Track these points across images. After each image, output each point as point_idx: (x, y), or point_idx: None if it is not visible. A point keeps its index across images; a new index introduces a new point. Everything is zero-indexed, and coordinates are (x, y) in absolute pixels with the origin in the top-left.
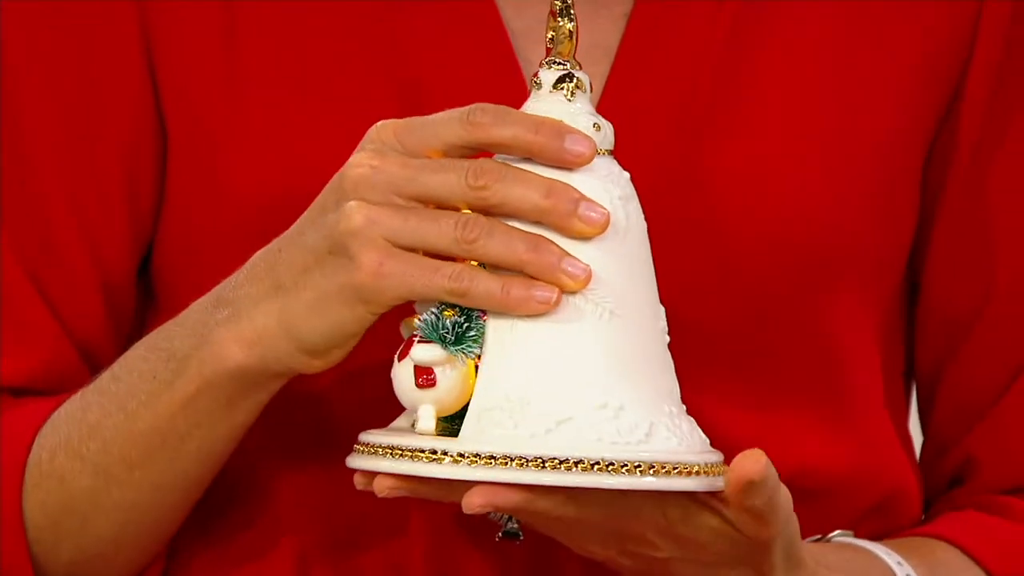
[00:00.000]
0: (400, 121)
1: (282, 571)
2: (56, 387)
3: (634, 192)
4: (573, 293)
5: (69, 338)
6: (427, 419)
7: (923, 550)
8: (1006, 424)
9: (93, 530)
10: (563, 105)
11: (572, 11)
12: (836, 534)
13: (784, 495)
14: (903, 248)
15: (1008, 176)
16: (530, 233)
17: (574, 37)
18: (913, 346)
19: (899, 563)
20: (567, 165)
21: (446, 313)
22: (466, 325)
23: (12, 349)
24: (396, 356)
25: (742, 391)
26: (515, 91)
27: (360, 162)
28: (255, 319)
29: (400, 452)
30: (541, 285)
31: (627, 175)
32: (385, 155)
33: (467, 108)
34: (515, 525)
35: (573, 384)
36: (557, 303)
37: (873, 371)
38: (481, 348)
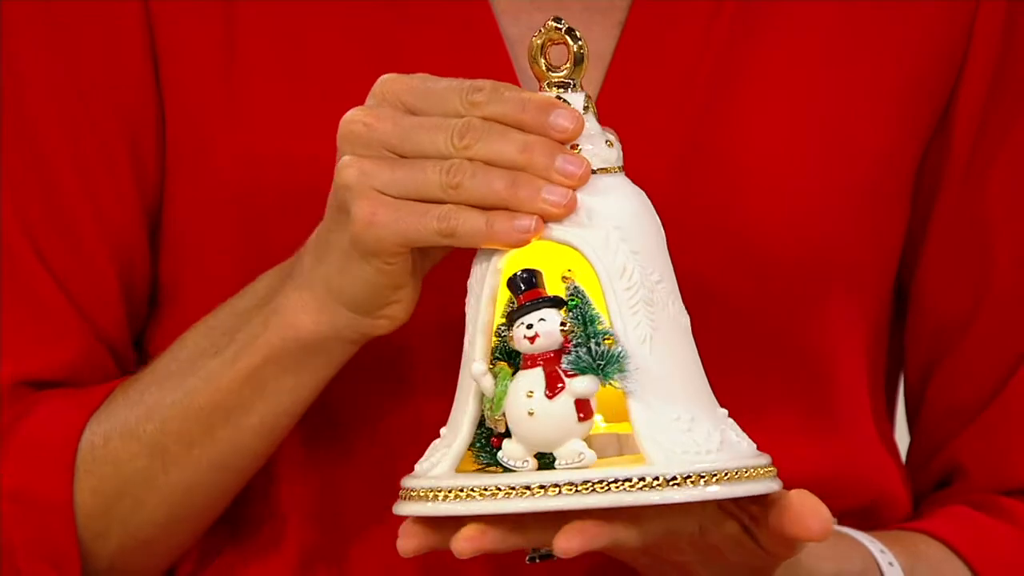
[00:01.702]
0: (406, 80)
1: (284, 572)
2: (85, 381)
3: (631, 206)
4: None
5: (93, 331)
6: (588, 451)
7: (905, 542)
8: (993, 429)
9: (146, 514)
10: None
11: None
12: None
13: None
14: (892, 254)
15: (1001, 185)
16: (509, 171)
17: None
18: (899, 353)
19: (881, 550)
20: (553, 139)
21: (607, 341)
22: (612, 354)
23: (39, 344)
24: (535, 395)
25: (727, 393)
26: (498, 67)
27: (356, 119)
28: (315, 288)
29: (589, 486)
30: (521, 215)
31: (641, 193)
32: (380, 113)
33: (467, 84)
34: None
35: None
36: (537, 230)
37: (859, 377)
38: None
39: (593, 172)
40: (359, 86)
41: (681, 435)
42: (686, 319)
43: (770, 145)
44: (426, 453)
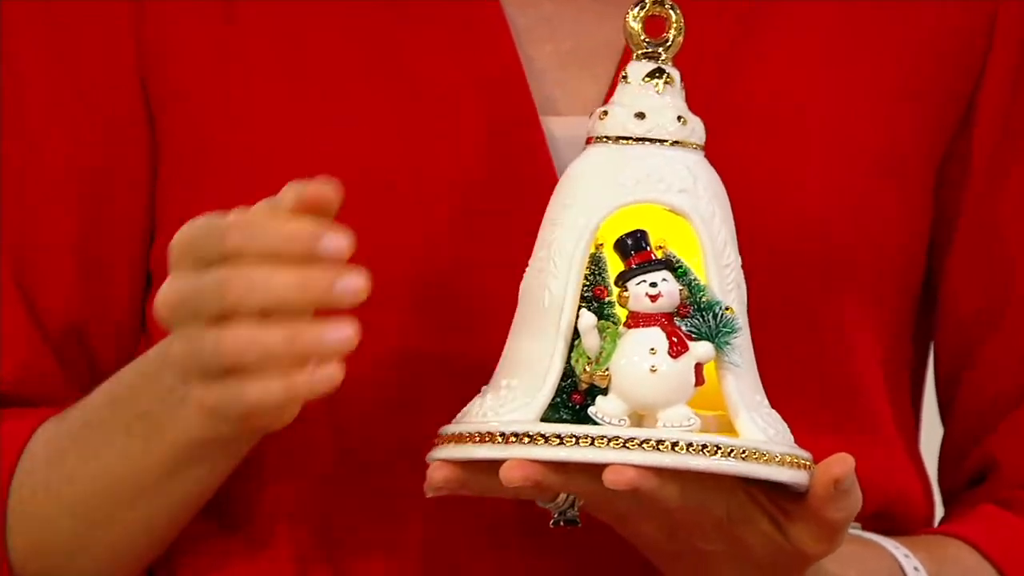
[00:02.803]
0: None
1: (281, 572)
2: (30, 393)
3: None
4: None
5: (43, 337)
6: (695, 416)
7: (933, 545)
8: None
9: (80, 566)
10: (652, 99)
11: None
12: None
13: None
14: (913, 249)
15: None
16: (286, 329)
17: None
18: (925, 351)
19: (906, 555)
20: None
21: (728, 311)
22: (732, 324)
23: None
24: (658, 353)
25: None
26: (515, 88)
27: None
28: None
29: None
30: (318, 369)
31: (714, 173)
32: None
33: (223, 225)
34: (575, 512)
35: None
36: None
37: (876, 376)
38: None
39: (673, 144)
40: (362, 78)
41: (768, 417)
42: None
43: (774, 142)
44: (484, 403)
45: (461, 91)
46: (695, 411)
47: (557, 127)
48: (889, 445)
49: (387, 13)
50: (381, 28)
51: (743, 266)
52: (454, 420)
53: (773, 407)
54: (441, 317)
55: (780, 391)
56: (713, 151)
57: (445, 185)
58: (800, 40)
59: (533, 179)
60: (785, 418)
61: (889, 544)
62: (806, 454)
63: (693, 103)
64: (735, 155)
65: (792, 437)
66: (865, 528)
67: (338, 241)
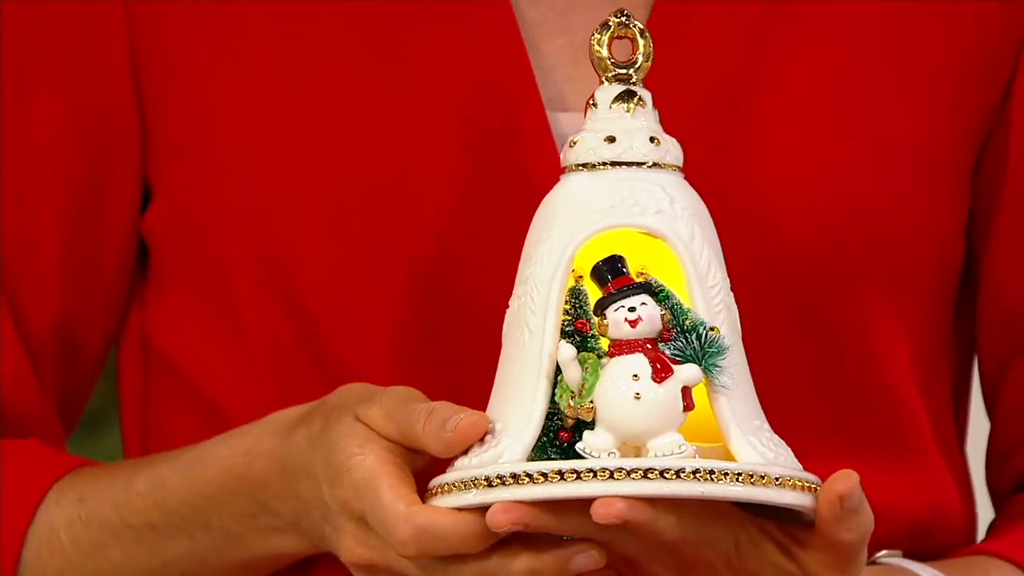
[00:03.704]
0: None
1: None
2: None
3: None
4: None
5: (28, 351)
6: (686, 443)
7: (975, 569)
8: None
9: None
10: (623, 121)
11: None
12: (883, 554)
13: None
14: (946, 244)
15: None
16: None
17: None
18: (969, 348)
19: None
20: None
21: (712, 332)
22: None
23: None
24: (642, 379)
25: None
26: (523, 82)
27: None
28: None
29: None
30: None
31: (694, 194)
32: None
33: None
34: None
35: None
36: None
37: (909, 382)
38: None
39: (649, 166)
40: (367, 71)
41: (767, 441)
42: (739, 325)
43: (800, 134)
44: (473, 448)
45: (467, 88)
46: (694, 444)
47: (567, 123)
48: (925, 457)
49: (391, 9)
50: (385, 24)
51: (759, 272)
52: (448, 467)
53: (793, 424)
54: (444, 313)
55: (801, 407)
56: (734, 143)
57: (449, 183)
58: (828, 26)
59: (540, 176)
60: (806, 436)
61: (924, 571)
62: (812, 477)
63: (715, 94)
64: (758, 147)
65: (796, 460)
66: (899, 547)
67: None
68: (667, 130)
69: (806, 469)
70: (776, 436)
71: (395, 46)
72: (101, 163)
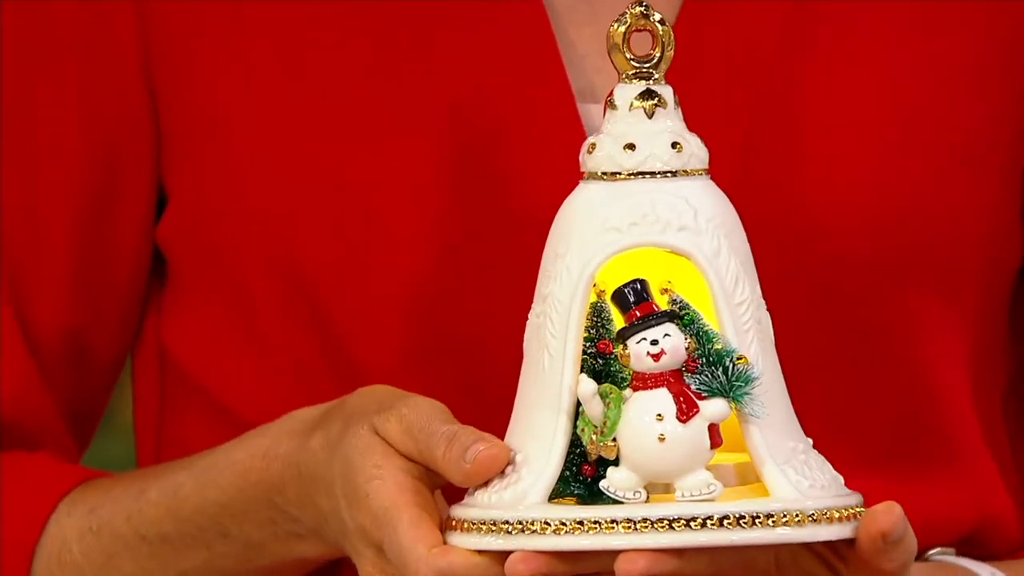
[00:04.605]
0: None
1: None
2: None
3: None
4: None
5: (39, 364)
6: (716, 482)
7: None
8: None
9: None
10: (643, 125)
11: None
12: (935, 552)
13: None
14: (999, 241)
15: None
16: None
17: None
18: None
19: (992, 574)
20: None
21: (741, 361)
22: (747, 375)
23: None
24: (666, 419)
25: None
26: (553, 73)
27: None
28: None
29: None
30: None
31: (720, 199)
32: None
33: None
34: None
35: None
36: None
37: (961, 386)
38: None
39: (671, 175)
40: (384, 64)
41: (802, 466)
42: (772, 335)
43: (844, 132)
44: (495, 479)
45: (496, 80)
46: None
47: (598, 114)
48: (975, 463)
49: (415, 2)
50: (408, 19)
51: (800, 275)
52: (468, 492)
53: (835, 436)
54: (461, 313)
55: (844, 417)
56: (772, 137)
57: (477, 178)
58: (859, 31)
59: (570, 169)
60: (850, 447)
61: (985, 571)
62: (852, 500)
63: (752, 84)
64: (797, 140)
65: (836, 477)
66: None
67: None
68: (699, 132)
69: (848, 483)
70: (813, 452)
71: (421, 41)
72: (114, 168)
